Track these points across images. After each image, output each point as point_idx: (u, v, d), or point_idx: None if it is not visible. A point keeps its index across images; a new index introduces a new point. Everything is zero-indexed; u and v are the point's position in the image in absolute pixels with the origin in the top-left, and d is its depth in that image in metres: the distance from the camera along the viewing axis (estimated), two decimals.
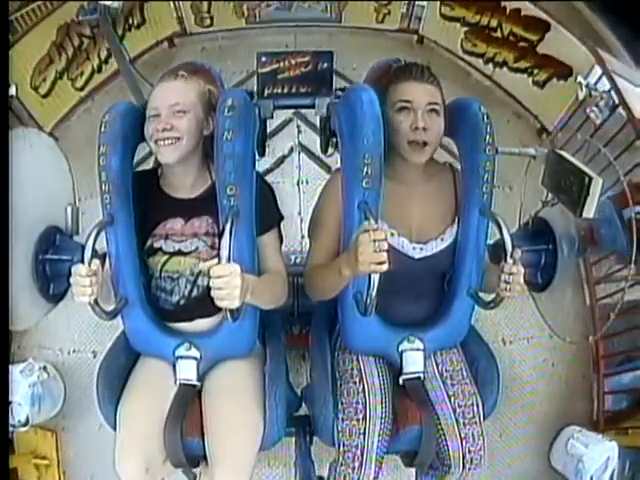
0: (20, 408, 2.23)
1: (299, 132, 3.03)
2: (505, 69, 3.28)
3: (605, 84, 2.57)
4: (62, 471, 2.49)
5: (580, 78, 2.69)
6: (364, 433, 1.33)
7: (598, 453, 2.22)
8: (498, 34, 3.22)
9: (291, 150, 3.01)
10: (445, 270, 1.40)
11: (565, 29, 2.87)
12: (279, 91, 1.60)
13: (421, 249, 1.34)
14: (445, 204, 1.37)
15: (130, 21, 3.23)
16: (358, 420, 1.34)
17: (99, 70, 3.22)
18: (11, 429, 2.27)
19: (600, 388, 2.53)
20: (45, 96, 3.03)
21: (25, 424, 2.25)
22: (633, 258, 1.43)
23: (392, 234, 1.32)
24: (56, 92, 3.07)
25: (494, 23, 3.20)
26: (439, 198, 1.37)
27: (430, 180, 1.37)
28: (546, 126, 3.14)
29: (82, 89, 3.21)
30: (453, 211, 1.37)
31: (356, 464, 1.33)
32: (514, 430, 2.46)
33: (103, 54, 3.18)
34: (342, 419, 1.35)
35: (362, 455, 1.33)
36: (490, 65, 3.33)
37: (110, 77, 3.21)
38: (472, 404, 1.38)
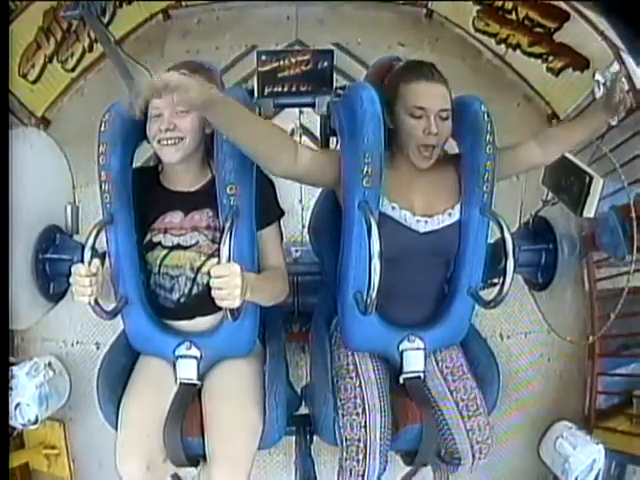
0: (29, 408, 2.25)
1: (300, 112, 2.84)
2: (518, 52, 3.17)
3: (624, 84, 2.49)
4: (71, 460, 2.54)
5: (598, 75, 2.61)
6: (365, 426, 1.33)
7: (585, 455, 2.26)
8: (512, 17, 3.11)
9: (292, 133, 2.84)
10: (449, 253, 1.38)
11: (585, 21, 2.74)
12: (279, 90, 1.60)
13: (426, 222, 1.33)
14: (449, 185, 1.37)
15: None
16: (358, 414, 1.34)
17: (90, 49, 3.15)
18: (21, 427, 2.30)
19: (593, 386, 2.54)
20: (34, 82, 2.98)
21: (35, 422, 2.28)
22: (633, 263, 1.44)
23: (393, 208, 1.31)
24: (46, 76, 3.02)
25: (509, 6, 3.09)
26: (443, 180, 1.37)
27: (432, 169, 1.35)
28: (557, 113, 3.05)
29: (73, 70, 3.14)
30: (458, 190, 1.37)
31: (360, 456, 1.33)
32: (507, 423, 2.46)
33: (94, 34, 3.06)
34: (342, 415, 1.35)
35: (365, 447, 1.33)
36: (502, 45, 3.22)
37: (101, 56, 3.09)
38: (474, 397, 1.38)
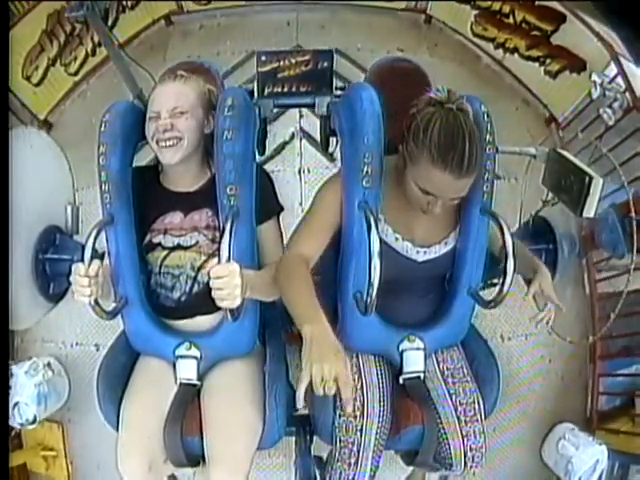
0: (27, 408, 2.25)
1: (301, 116, 2.86)
2: (516, 56, 3.19)
3: (620, 84, 2.49)
4: (69, 461, 2.53)
5: (595, 76, 2.59)
6: (361, 430, 1.32)
7: (587, 455, 2.25)
8: (510, 20, 3.13)
9: (292, 136, 2.87)
10: (446, 272, 1.40)
11: (581, 23, 2.76)
12: (279, 90, 1.60)
13: (425, 252, 1.34)
14: (447, 214, 1.35)
15: (124, 2, 3.18)
16: (355, 417, 1.33)
17: (93, 54, 3.18)
18: (19, 427, 2.29)
19: (595, 388, 2.55)
20: (38, 84, 3.01)
21: (33, 422, 2.27)
22: (632, 265, 1.44)
23: (397, 239, 1.32)
24: (49, 79, 3.05)
25: (506, 9, 3.11)
26: (442, 211, 1.33)
27: None
28: (555, 116, 3.07)
29: (76, 74, 3.18)
30: (456, 216, 1.37)
31: (352, 460, 1.33)
32: (508, 425, 2.46)
33: (97, 38, 3.07)
34: (339, 415, 1.35)
35: (358, 452, 1.32)
36: (500, 50, 3.23)
37: (104, 60, 3.13)
38: (473, 402, 1.38)
